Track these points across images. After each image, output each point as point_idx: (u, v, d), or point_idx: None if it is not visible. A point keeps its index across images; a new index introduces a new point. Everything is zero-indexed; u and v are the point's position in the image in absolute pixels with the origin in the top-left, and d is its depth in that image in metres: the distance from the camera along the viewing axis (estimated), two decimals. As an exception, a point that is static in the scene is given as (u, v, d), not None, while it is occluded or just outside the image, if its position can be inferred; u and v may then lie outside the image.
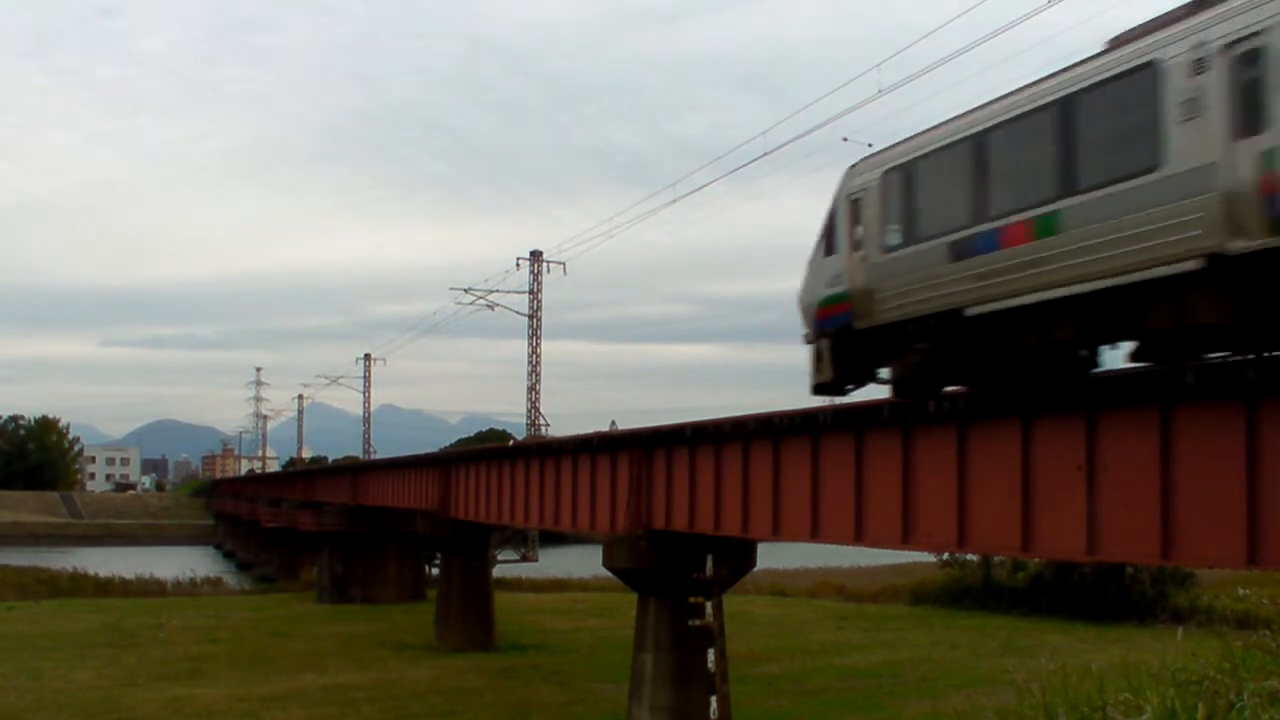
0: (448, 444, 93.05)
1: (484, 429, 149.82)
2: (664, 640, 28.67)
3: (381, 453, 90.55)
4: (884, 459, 19.70)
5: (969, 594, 61.79)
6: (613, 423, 36.21)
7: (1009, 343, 15.83)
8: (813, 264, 20.01)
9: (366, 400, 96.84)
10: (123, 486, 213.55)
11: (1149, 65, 13.50)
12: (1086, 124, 14.31)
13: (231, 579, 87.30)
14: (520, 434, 61.18)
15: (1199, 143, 12.75)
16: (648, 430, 28.33)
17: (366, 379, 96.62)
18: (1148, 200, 13.29)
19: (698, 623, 27.36)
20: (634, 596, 30.41)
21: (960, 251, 16.12)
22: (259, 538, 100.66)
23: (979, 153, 16.01)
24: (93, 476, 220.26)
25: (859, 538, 20.65)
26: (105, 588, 74.04)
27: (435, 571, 61.82)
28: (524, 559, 70.54)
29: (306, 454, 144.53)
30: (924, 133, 17.51)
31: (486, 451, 44.70)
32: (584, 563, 75.19)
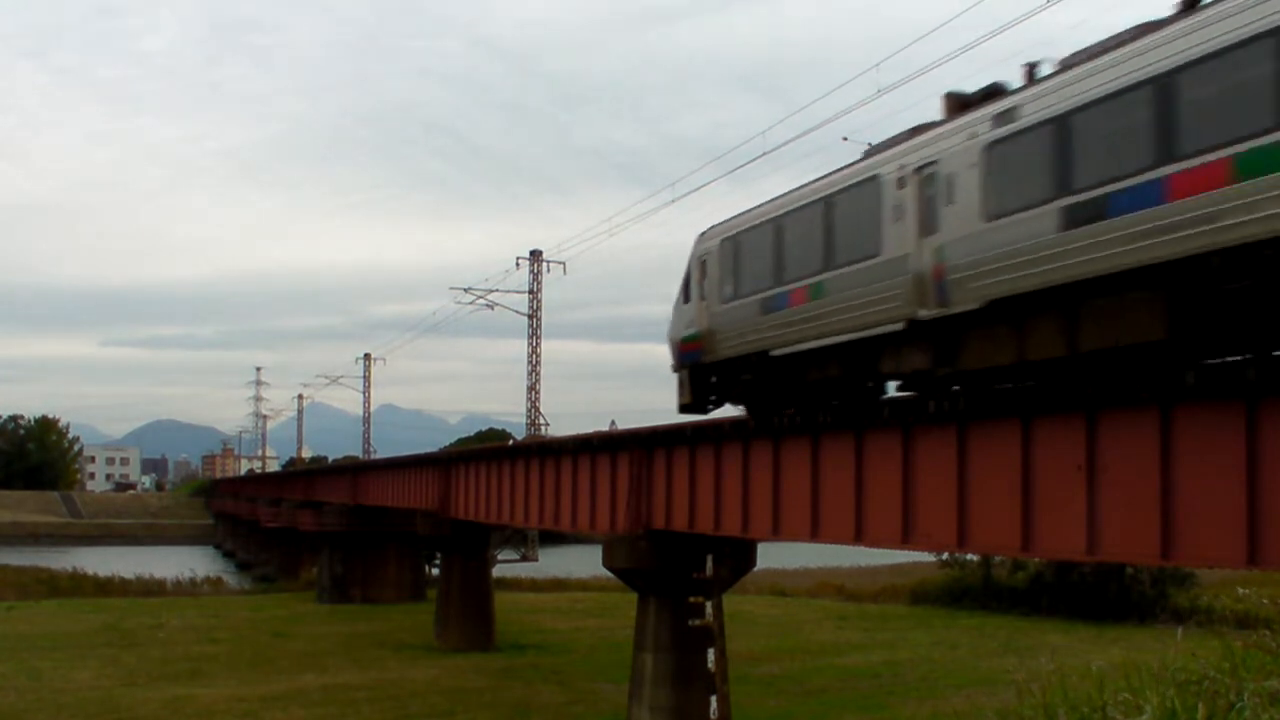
0: (448, 444, 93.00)
1: (484, 429, 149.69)
2: (664, 640, 28.68)
3: (381, 453, 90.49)
4: (884, 459, 19.71)
5: (969, 594, 61.76)
6: (613, 423, 36.10)
7: (801, 377, 20.93)
8: (676, 309, 25.27)
9: (366, 400, 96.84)
10: (123, 486, 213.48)
11: (874, 178, 18.53)
12: (840, 217, 19.41)
13: (231, 579, 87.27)
14: (520, 434, 61.14)
15: (901, 237, 17.66)
16: (648, 430, 28.33)
17: (366, 379, 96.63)
18: (873, 277, 18.21)
19: (698, 623, 27.36)
20: (634, 596, 30.41)
21: (767, 307, 21.28)
22: (259, 538, 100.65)
23: (778, 232, 21.23)
24: (93, 476, 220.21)
25: (859, 538, 20.66)
26: (105, 588, 74.05)
27: (435, 571, 61.81)
28: (524, 559, 70.49)
29: (306, 454, 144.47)
30: (750, 210, 22.69)
31: (486, 451, 44.68)
32: (584, 563, 75.16)
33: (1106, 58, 14.41)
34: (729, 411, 24.76)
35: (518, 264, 58.67)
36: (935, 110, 18.09)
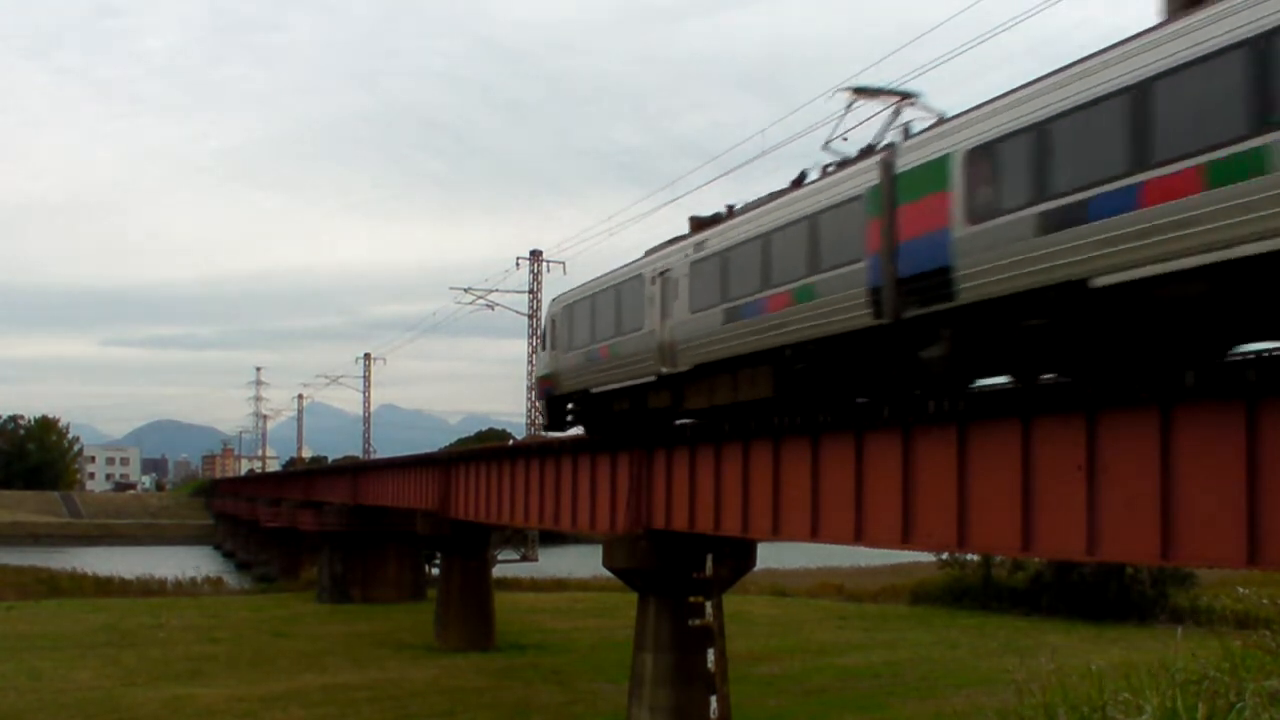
0: (448, 444, 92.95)
1: (484, 429, 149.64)
2: (664, 640, 28.66)
3: (381, 453, 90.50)
4: (884, 459, 19.70)
5: (969, 594, 61.75)
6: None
7: (610, 408, 28.90)
8: (538, 354, 34.18)
9: (366, 400, 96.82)
10: (123, 486, 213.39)
11: (639, 275, 26.70)
12: (624, 299, 27.43)
13: (231, 579, 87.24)
14: (520, 434, 61.13)
15: (653, 319, 25.58)
16: (648, 430, 28.28)
17: (366, 379, 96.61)
18: (640, 344, 26.12)
19: (698, 623, 27.35)
20: (634, 596, 30.40)
21: (588, 357, 29.32)
22: (259, 537, 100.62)
23: (594, 305, 29.33)
24: (92, 476, 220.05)
25: (859, 538, 20.64)
26: (105, 588, 74.01)
27: (435, 571, 61.80)
28: (524, 559, 70.48)
29: (306, 454, 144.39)
30: (582, 285, 30.87)
31: (486, 451, 44.62)
32: (584, 563, 75.17)
33: (750, 214, 22.66)
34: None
35: (518, 264, 58.77)
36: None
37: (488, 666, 43.01)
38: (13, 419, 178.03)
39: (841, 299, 18.93)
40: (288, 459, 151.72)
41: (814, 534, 21.92)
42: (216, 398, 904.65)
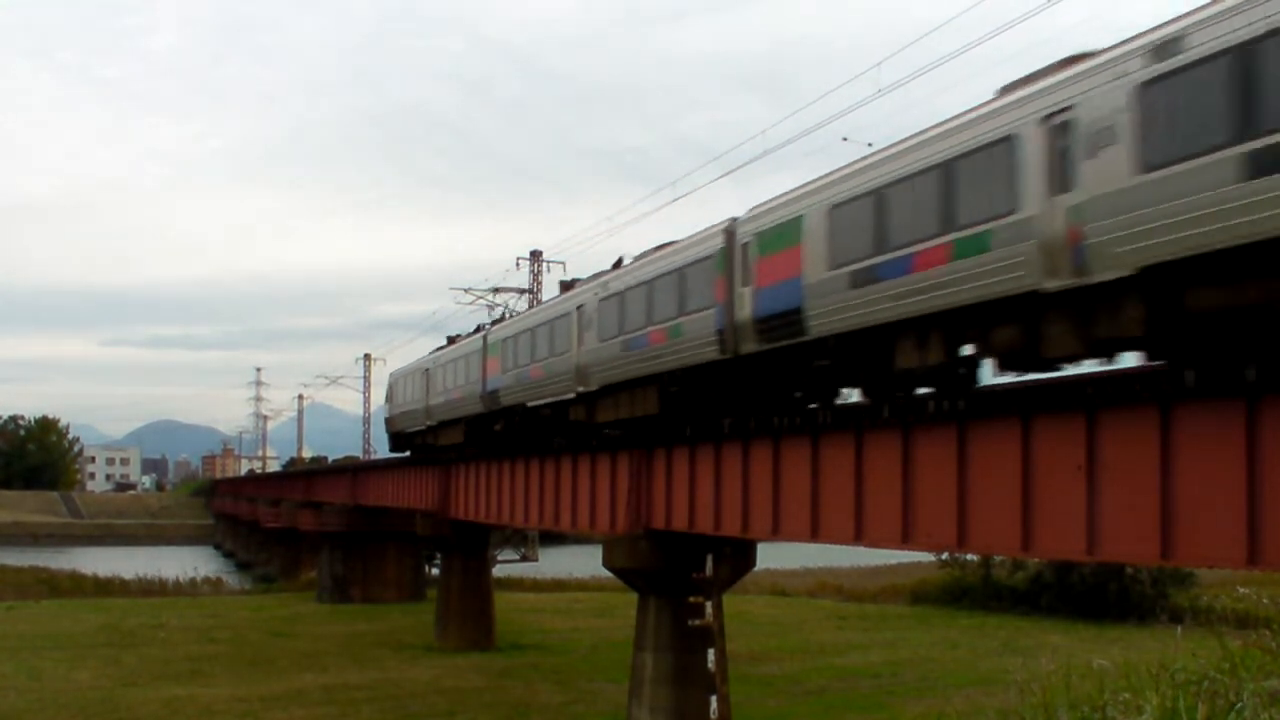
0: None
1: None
2: (664, 640, 28.64)
3: (381, 453, 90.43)
4: (884, 459, 19.68)
5: (969, 594, 61.70)
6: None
7: (414, 440, 48.57)
8: (385, 406, 53.04)
9: (366, 400, 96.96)
10: (123, 486, 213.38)
11: (420, 369, 47.94)
12: (415, 381, 48.33)
13: (231, 579, 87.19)
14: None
15: (424, 394, 46.75)
16: (647, 430, 28.26)
17: (366, 379, 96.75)
18: (419, 406, 47.66)
19: (698, 623, 27.32)
20: (634, 596, 30.38)
21: (405, 411, 49.39)
22: (259, 538, 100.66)
23: (404, 381, 50.25)
24: (93, 476, 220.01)
25: (859, 538, 20.63)
26: (105, 588, 74.02)
27: (435, 571, 61.81)
28: (524, 559, 70.51)
29: (306, 454, 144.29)
30: (412, 363, 50.08)
31: (486, 451, 44.58)
32: (584, 563, 75.12)
33: (451, 347, 43.47)
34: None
35: (518, 264, 58.82)
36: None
37: (488, 666, 43.01)
38: (13, 419, 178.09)
39: (469, 399, 38.87)
40: (288, 459, 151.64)
41: (814, 534, 21.91)
42: (216, 398, 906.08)
